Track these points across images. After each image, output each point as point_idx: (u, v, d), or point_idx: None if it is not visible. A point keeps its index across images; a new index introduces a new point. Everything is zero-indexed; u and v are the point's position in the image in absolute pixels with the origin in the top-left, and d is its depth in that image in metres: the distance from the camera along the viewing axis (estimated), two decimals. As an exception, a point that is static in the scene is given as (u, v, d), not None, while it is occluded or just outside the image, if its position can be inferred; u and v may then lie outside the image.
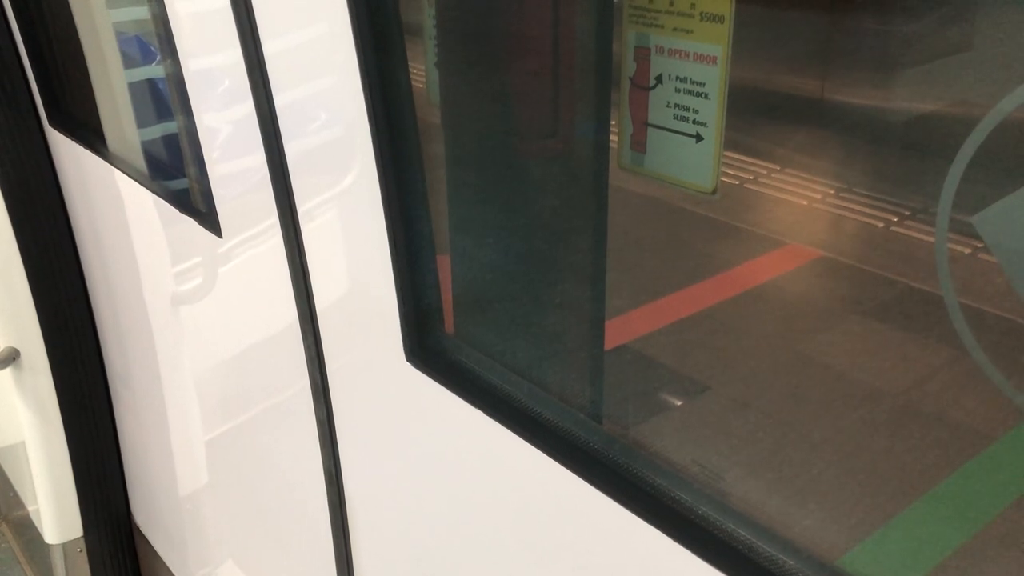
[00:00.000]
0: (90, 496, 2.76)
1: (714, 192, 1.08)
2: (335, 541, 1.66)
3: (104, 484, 2.78)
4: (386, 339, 1.32)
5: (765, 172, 1.81)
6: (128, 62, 2.15)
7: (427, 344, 1.30)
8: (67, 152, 2.34)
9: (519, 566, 1.26)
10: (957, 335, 0.91)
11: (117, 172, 2.09)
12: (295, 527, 1.86)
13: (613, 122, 1.19)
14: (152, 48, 2.07)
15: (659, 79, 1.09)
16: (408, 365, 1.30)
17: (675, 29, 1.05)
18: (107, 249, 2.36)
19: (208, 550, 2.44)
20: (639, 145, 1.15)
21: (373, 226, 1.26)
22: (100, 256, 2.42)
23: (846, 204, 1.61)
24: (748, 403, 1.60)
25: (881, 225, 1.61)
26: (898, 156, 1.36)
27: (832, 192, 1.64)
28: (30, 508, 3.07)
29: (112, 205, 2.21)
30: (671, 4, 1.05)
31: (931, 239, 0.89)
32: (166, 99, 2.00)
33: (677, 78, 1.07)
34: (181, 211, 1.86)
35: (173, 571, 2.72)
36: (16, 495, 3.31)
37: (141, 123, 2.16)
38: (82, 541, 2.84)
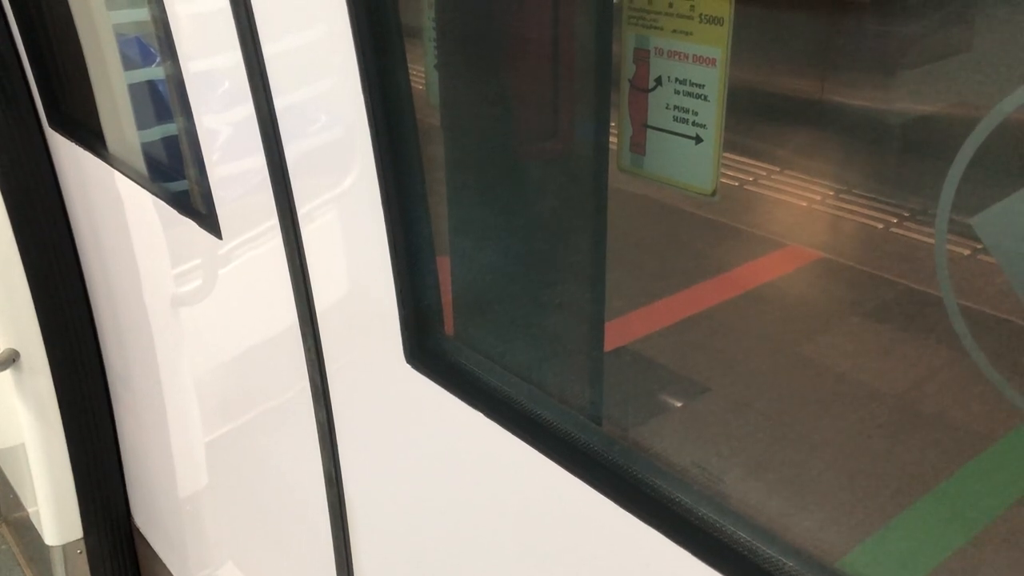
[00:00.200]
0: (90, 497, 2.75)
1: (714, 194, 1.08)
2: (335, 543, 1.66)
3: (104, 485, 2.77)
4: (386, 341, 1.32)
5: (765, 173, 1.81)
6: (128, 64, 2.15)
7: (427, 346, 1.30)
8: (67, 154, 2.34)
9: (518, 568, 1.25)
10: (957, 336, 0.91)
11: (117, 174, 2.09)
12: (295, 528, 1.86)
13: (612, 124, 1.19)
14: (152, 50, 2.07)
15: (658, 81, 1.09)
16: (408, 367, 1.30)
17: (674, 31, 1.05)
18: (107, 251, 2.36)
19: (208, 551, 2.44)
20: (638, 147, 1.15)
21: (373, 228, 1.26)
22: (100, 258, 2.42)
23: (846, 205, 1.61)
24: (748, 404, 1.60)
25: (881, 226, 1.61)
26: (898, 157, 1.36)
27: (832, 193, 1.64)
28: (30, 510, 3.07)
29: (112, 207, 2.21)
30: (670, 6, 1.05)
31: (931, 240, 0.89)
32: (166, 101, 2.00)
33: (676, 80, 1.07)
34: (181, 213, 1.86)
35: (173, 572, 2.72)
36: (16, 497, 3.31)
37: (141, 125, 2.16)
38: (82, 543, 2.84)
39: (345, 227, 1.36)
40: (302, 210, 1.42)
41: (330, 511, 1.64)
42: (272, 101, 1.38)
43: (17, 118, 2.33)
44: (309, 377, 1.55)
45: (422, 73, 1.40)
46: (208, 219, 1.73)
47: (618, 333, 1.48)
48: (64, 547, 2.84)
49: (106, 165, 2.13)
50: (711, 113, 1.05)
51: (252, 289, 1.69)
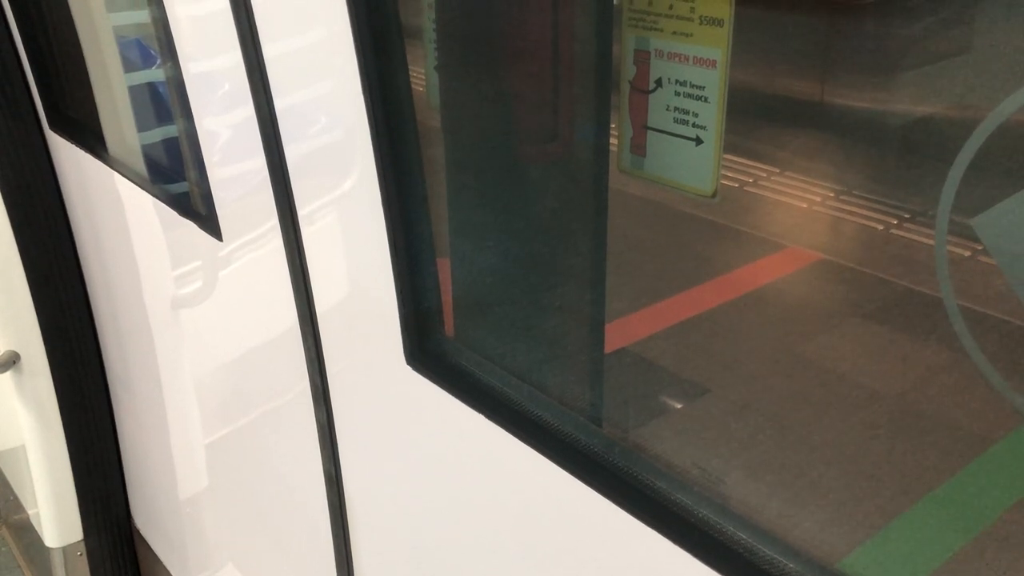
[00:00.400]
0: (90, 499, 2.75)
1: (714, 195, 1.08)
2: (335, 544, 1.66)
3: (104, 487, 2.77)
4: (386, 342, 1.32)
5: (765, 175, 1.82)
6: (128, 66, 2.15)
7: (427, 347, 1.30)
8: (67, 156, 2.34)
9: (518, 568, 1.25)
10: (957, 337, 0.91)
11: (117, 176, 2.09)
12: (295, 530, 1.86)
13: (613, 125, 1.19)
14: (152, 52, 2.07)
15: (659, 82, 1.09)
16: (408, 368, 1.30)
17: (675, 33, 1.05)
18: (107, 252, 2.36)
19: (208, 553, 2.43)
20: (639, 148, 1.15)
21: (373, 229, 1.26)
22: (100, 259, 2.42)
23: (846, 207, 1.61)
24: (748, 405, 1.60)
25: (881, 228, 1.61)
26: (898, 159, 1.36)
27: (832, 195, 1.64)
28: (30, 512, 3.07)
29: (112, 208, 2.21)
30: (670, 8, 1.05)
31: (931, 242, 0.89)
32: (166, 102, 2.00)
33: (677, 81, 1.07)
34: (181, 215, 1.86)
35: (173, 574, 2.71)
36: (16, 499, 3.31)
37: (141, 126, 2.16)
38: (82, 544, 2.83)
39: (345, 228, 1.36)
40: (302, 211, 1.42)
41: (330, 512, 1.64)
42: (272, 102, 1.38)
43: (17, 120, 2.33)
44: (309, 378, 1.55)
45: (422, 75, 1.40)
46: (208, 221, 1.73)
47: (618, 335, 1.48)
48: (64, 549, 2.84)
49: (106, 167, 2.13)
50: (711, 115, 1.05)
51: (252, 290, 1.69)
